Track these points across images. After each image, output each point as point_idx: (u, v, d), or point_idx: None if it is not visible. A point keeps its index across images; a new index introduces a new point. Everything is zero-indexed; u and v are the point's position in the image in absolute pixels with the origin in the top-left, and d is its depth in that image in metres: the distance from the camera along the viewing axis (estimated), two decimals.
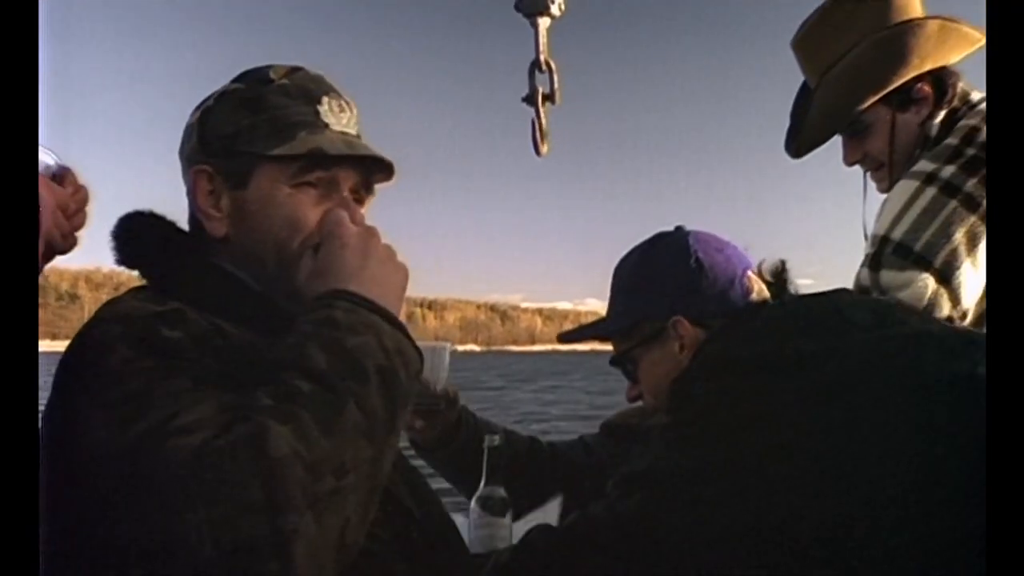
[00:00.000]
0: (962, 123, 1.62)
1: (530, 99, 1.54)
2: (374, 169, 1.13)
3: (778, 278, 1.42)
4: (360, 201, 1.13)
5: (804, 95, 1.79)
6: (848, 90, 1.65)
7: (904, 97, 1.65)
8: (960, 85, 1.67)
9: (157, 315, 0.92)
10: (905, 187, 1.56)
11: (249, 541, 0.72)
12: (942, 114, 1.66)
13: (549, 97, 1.53)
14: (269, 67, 1.12)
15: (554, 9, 1.47)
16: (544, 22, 1.48)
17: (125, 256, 1.09)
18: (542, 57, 1.50)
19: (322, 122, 1.09)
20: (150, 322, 0.91)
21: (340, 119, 1.11)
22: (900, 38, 1.62)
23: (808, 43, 1.72)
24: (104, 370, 0.85)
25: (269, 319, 1.03)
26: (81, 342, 0.91)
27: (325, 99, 1.11)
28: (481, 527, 1.58)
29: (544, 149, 1.58)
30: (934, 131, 1.64)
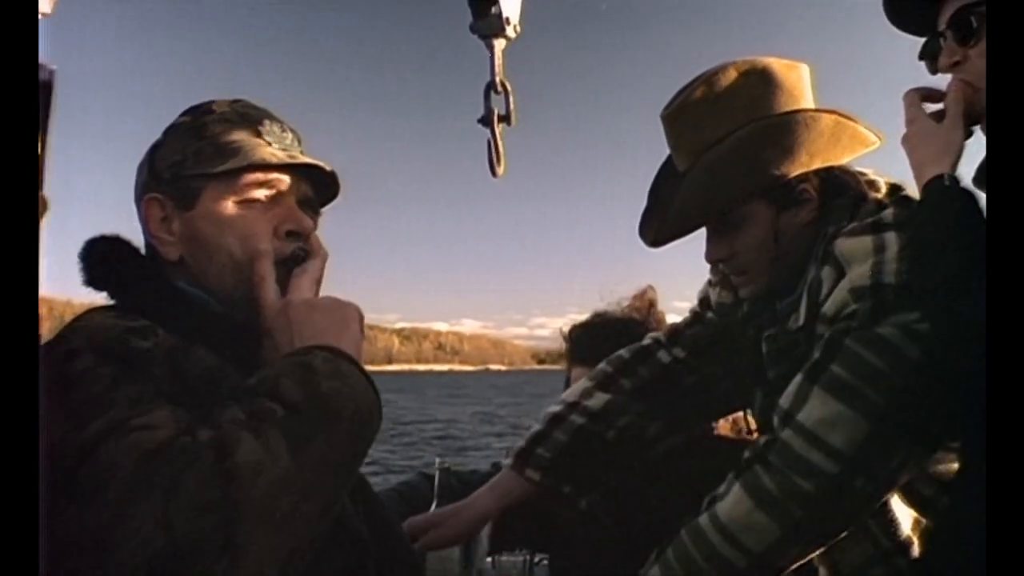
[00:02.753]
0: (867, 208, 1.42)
1: (486, 120, 1.57)
2: (319, 185, 1.17)
3: None
4: (309, 218, 1.16)
5: (668, 174, 1.57)
6: (725, 178, 1.41)
7: (787, 195, 1.43)
8: (854, 187, 1.45)
9: (128, 328, 0.94)
10: (859, 243, 1.34)
11: (201, 539, 0.73)
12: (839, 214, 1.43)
13: (505, 118, 1.57)
14: (212, 101, 1.16)
15: (509, 31, 1.52)
16: (500, 44, 1.52)
17: (92, 278, 1.09)
18: (498, 79, 1.54)
19: (264, 140, 1.14)
20: (120, 333, 0.92)
21: (282, 140, 1.16)
22: (790, 128, 1.40)
23: (683, 117, 1.47)
24: (67, 375, 0.86)
25: (231, 340, 1.04)
26: (47, 352, 0.91)
27: (266, 121, 1.16)
28: (432, 551, 1.57)
29: (500, 170, 1.61)
30: (831, 227, 1.42)
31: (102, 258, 1.09)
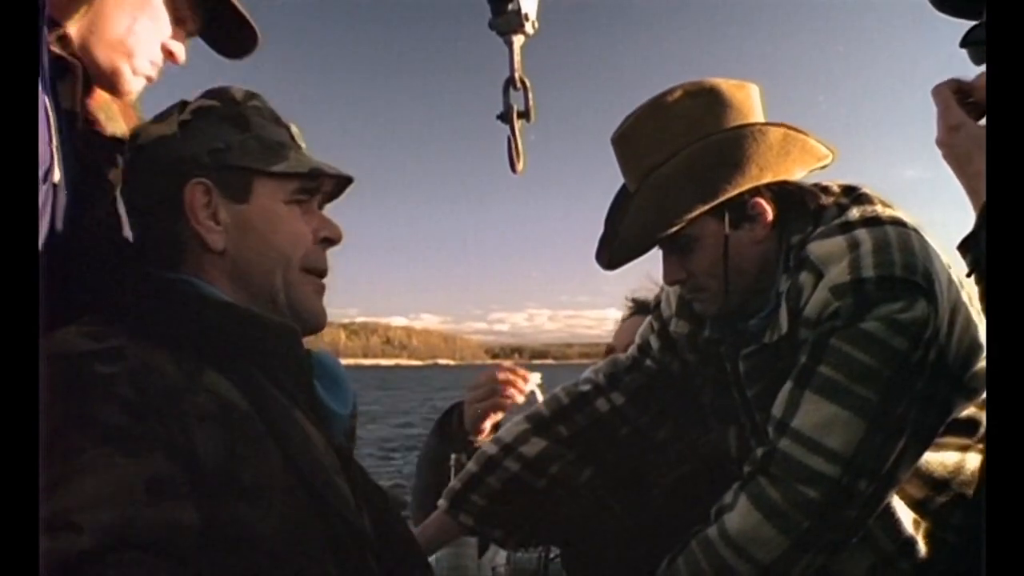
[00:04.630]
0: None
1: (505, 116, 1.57)
2: (334, 189, 1.19)
3: None
4: None
5: (622, 198, 1.54)
6: (673, 197, 1.38)
7: (738, 211, 1.40)
8: (809, 197, 1.43)
9: (92, 352, 0.91)
10: (832, 244, 1.33)
11: None
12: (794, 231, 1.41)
13: (524, 114, 1.56)
14: (229, 88, 1.14)
15: (528, 27, 1.51)
16: (518, 40, 1.52)
17: (78, 283, 1.07)
18: (516, 75, 1.53)
19: (298, 143, 1.15)
20: (84, 359, 0.90)
21: (303, 142, 1.17)
22: (738, 143, 1.38)
23: (630, 139, 1.46)
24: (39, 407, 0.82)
25: (228, 334, 1.02)
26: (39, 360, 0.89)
27: (292, 126, 1.16)
28: (448, 546, 1.58)
29: (520, 166, 1.61)
30: (793, 236, 1.40)
31: (86, 259, 1.09)
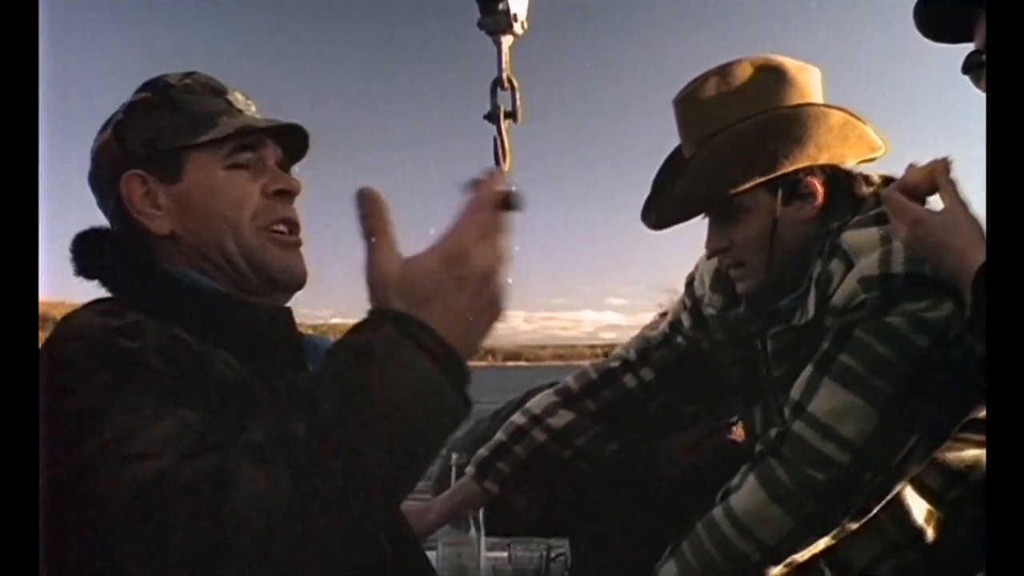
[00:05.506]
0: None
1: (492, 116, 1.57)
2: (292, 146, 1.18)
3: None
4: None
5: (674, 162, 1.57)
6: (731, 165, 1.40)
7: (791, 188, 1.41)
8: (856, 185, 1.44)
9: (115, 329, 0.91)
10: (866, 235, 1.34)
11: None
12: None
13: (511, 115, 1.57)
14: (165, 75, 1.15)
15: (517, 27, 1.51)
16: (507, 40, 1.52)
17: (82, 267, 1.08)
18: (505, 75, 1.53)
19: (236, 109, 1.14)
20: (108, 335, 0.90)
21: (248, 107, 1.16)
22: (800, 120, 1.39)
23: (693, 104, 1.46)
24: (59, 385, 0.83)
25: (222, 318, 1.02)
26: (39, 360, 0.88)
27: (231, 90, 1.16)
28: (449, 545, 1.58)
29: (506, 166, 1.61)
30: (834, 222, 1.41)
31: (90, 245, 1.09)
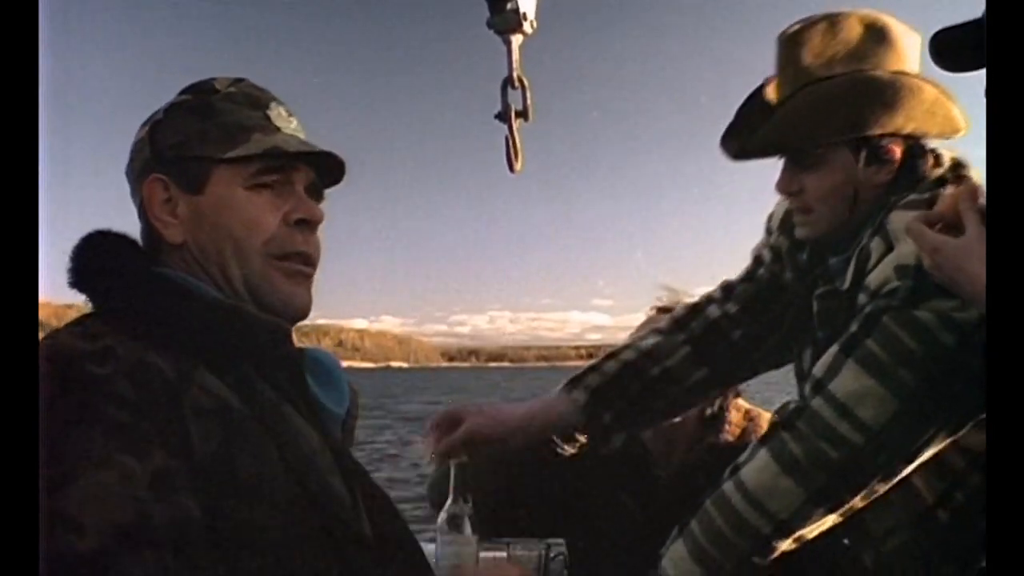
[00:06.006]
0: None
1: (503, 116, 1.56)
2: (325, 170, 1.14)
3: None
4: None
5: (763, 95, 1.58)
6: (820, 116, 1.44)
7: (874, 151, 1.43)
8: (928, 162, 1.46)
9: (86, 353, 0.90)
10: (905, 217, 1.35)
11: None
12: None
13: (522, 114, 1.56)
14: (213, 79, 1.13)
15: (526, 27, 1.51)
16: (516, 39, 1.51)
17: (75, 279, 1.06)
18: (515, 74, 1.53)
19: (273, 125, 1.10)
20: (77, 360, 0.89)
21: (289, 123, 1.12)
22: (896, 87, 1.42)
23: (795, 45, 1.49)
24: (39, 406, 0.83)
25: (220, 324, 1.01)
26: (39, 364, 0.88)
27: (273, 104, 1.12)
28: (447, 544, 1.57)
29: (518, 165, 1.61)
30: (894, 196, 1.43)
31: (84, 256, 1.07)
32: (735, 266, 1.83)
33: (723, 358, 1.72)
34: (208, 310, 1.02)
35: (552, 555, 1.81)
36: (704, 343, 1.71)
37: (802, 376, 1.59)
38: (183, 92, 1.13)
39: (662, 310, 1.94)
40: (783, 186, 1.52)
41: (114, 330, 0.95)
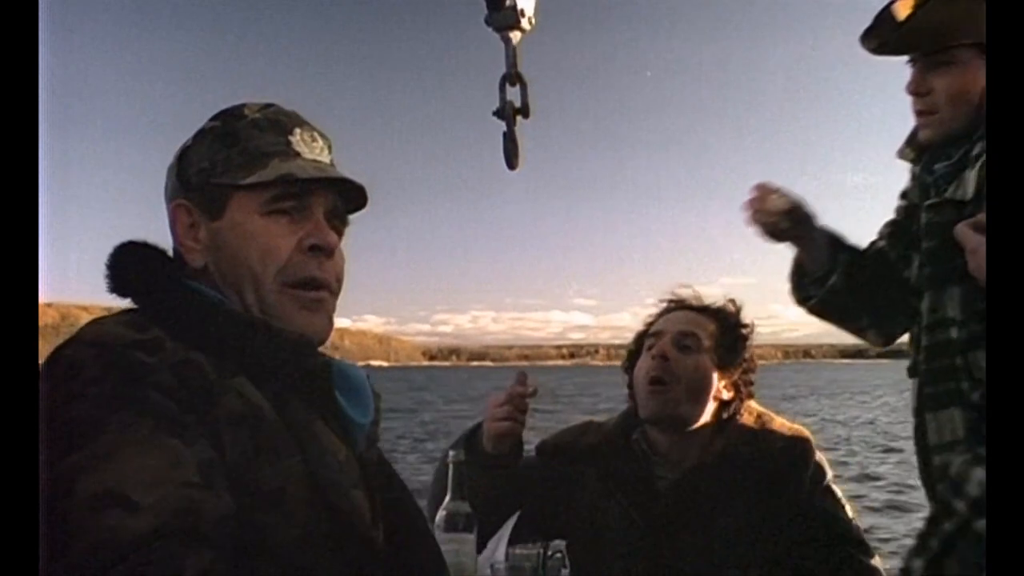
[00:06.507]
0: None
1: (501, 113, 1.56)
2: (347, 197, 1.14)
3: None
4: (336, 230, 1.12)
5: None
6: (959, 18, 1.51)
7: None
8: None
9: (134, 341, 0.92)
10: None
11: None
12: None
13: (521, 111, 1.55)
14: (243, 105, 1.14)
15: (524, 23, 1.50)
16: (515, 36, 1.50)
17: (116, 285, 1.08)
18: (513, 71, 1.52)
19: (293, 151, 1.10)
20: (125, 346, 0.91)
21: (312, 148, 1.12)
22: None
23: None
24: (69, 390, 0.85)
25: (248, 339, 1.02)
26: (55, 359, 0.91)
27: (297, 130, 1.12)
28: (446, 543, 1.57)
29: (518, 163, 1.60)
30: None
31: (124, 262, 1.08)
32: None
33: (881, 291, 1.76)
34: (240, 323, 1.03)
35: (550, 554, 1.81)
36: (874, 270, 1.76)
37: (907, 286, 1.66)
38: (213, 118, 1.13)
39: (675, 302, 1.92)
40: (913, 87, 1.59)
41: (161, 326, 0.97)
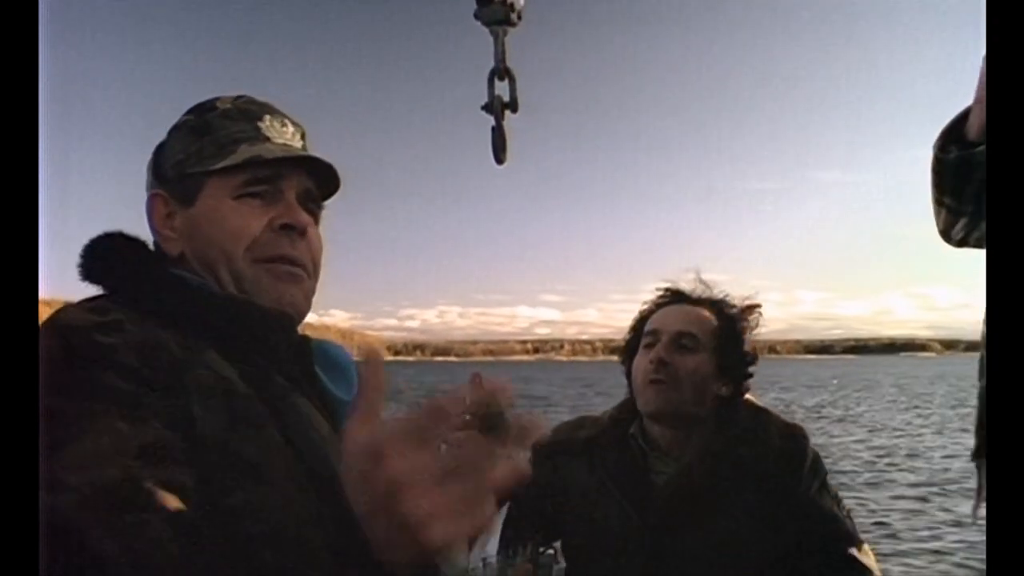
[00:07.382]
0: None
1: (490, 107, 1.56)
2: (320, 180, 1.16)
3: None
4: (310, 212, 1.15)
5: None
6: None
7: None
8: None
9: (95, 324, 0.93)
10: None
11: None
12: None
13: (509, 105, 1.56)
14: (216, 98, 1.17)
15: (513, 18, 1.50)
16: (503, 31, 1.51)
17: (88, 272, 1.09)
18: (501, 65, 1.53)
19: (263, 136, 1.13)
20: (86, 330, 0.91)
21: (282, 134, 1.15)
22: None
23: None
24: (43, 383, 0.84)
25: (229, 321, 1.03)
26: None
27: (267, 116, 1.15)
28: None
29: (505, 157, 1.61)
30: None
31: (98, 251, 1.10)
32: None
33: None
34: (219, 302, 1.05)
35: (542, 550, 1.82)
36: None
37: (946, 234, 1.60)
38: (187, 113, 1.17)
39: (672, 293, 1.92)
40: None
41: (126, 310, 0.97)
